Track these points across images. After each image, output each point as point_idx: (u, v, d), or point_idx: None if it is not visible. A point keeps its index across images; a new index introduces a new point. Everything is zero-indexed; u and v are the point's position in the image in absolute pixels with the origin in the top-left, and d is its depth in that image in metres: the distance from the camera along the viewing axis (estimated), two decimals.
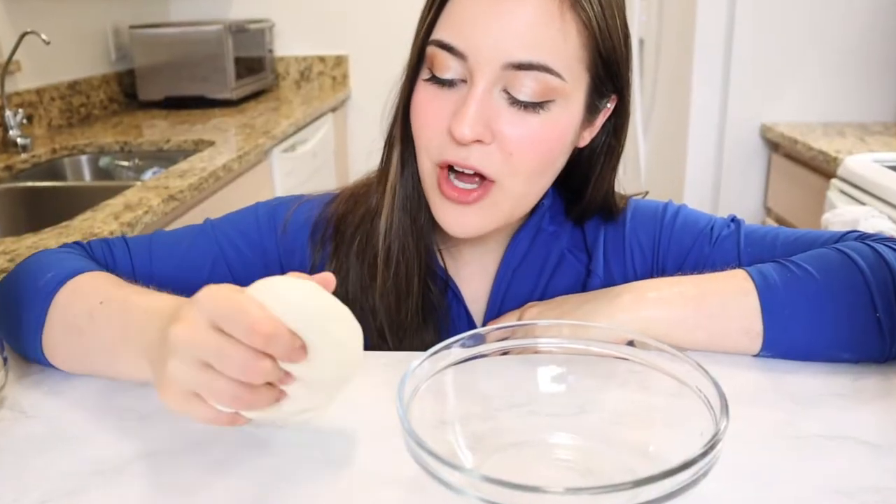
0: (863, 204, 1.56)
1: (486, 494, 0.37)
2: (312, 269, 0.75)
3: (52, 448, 0.53)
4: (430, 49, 0.63)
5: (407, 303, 0.71)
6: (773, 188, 2.12)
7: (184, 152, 1.93)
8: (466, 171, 0.64)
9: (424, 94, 0.65)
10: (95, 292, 0.61)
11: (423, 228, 0.72)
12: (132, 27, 2.44)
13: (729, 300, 0.63)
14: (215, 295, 0.45)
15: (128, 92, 2.53)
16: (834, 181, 1.70)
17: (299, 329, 0.44)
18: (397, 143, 0.70)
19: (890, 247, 0.64)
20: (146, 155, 1.98)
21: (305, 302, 0.45)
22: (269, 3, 2.94)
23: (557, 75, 0.61)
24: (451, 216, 0.66)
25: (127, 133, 2.09)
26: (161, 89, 2.45)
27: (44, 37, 1.80)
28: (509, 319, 0.71)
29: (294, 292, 0.46)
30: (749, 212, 2.17)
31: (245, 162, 1.80)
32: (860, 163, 1.63)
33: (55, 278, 0.64)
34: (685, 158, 2.21)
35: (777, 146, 2.08)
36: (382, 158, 0.73)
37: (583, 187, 0.74)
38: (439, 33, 0.63)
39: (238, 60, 2.49)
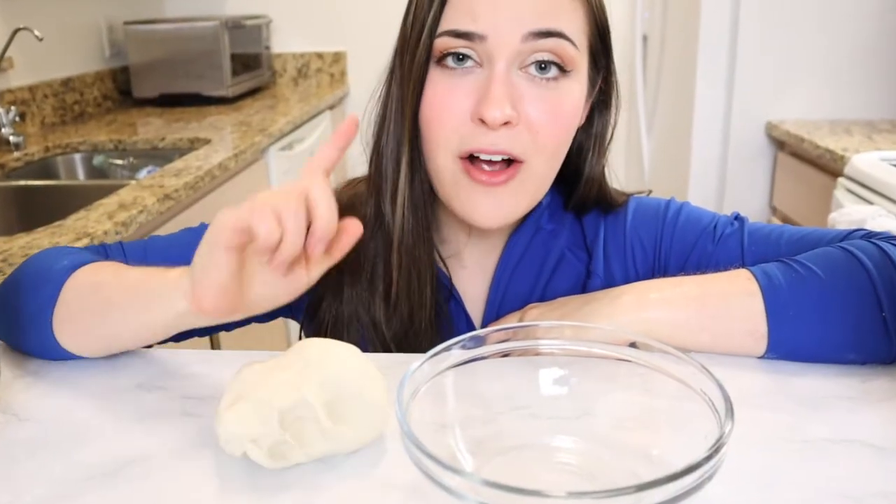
0: (870, 203, 1.56)
1: (486, 499, 0.37)
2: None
3: (45, 452, 0.53)
4: (442, 41, 0.63)
5: (420, 314, 0.71)
6: (779, 187, 2.12)
7: (179, 150, 1.93)
8: (493, 159, 0.65)
9: (440, 86, 0.65)
10: (120, 267, 0.63)
11: (431, 238, 0.72)
12: (126, 23, 2.44)
13: (733, 301, 0.63)
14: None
15: (122, 89, 2.53)
16: (841, 180, 1.70)
17: (335, 390, 0.49)
18: (405, 148, 0.68)
19: None
20: (141, 153, 1.97)
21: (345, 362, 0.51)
22: None
23: (573, 43, 0.63)
24: (484, 202, 0.66)
25: (121, 131, 2.09)
26: (156, 86, 2.45)
27: (37, 33, 1.80)
28: (510, 321, 0.71)
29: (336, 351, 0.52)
30: (754, 211, 2.17)
31: (241, 160, 1.80)
32: (867, 161, 1.63)
33: (72, 263, 0.64)
34: (689, 157, 2.21)
35: (783, 144, 2.08)
36: (373, 167, 0.72)
37: (578, 172, 0.75)
38: (451, 23, 0.63)
39: (234, 57, 2.49)
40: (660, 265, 0.75)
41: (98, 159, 1.94)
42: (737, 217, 0.75)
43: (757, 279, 0.63)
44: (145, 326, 0.59)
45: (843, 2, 1.99)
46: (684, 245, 0.74)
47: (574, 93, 0.66)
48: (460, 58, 0.64)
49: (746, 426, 0.51)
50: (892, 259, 0.62)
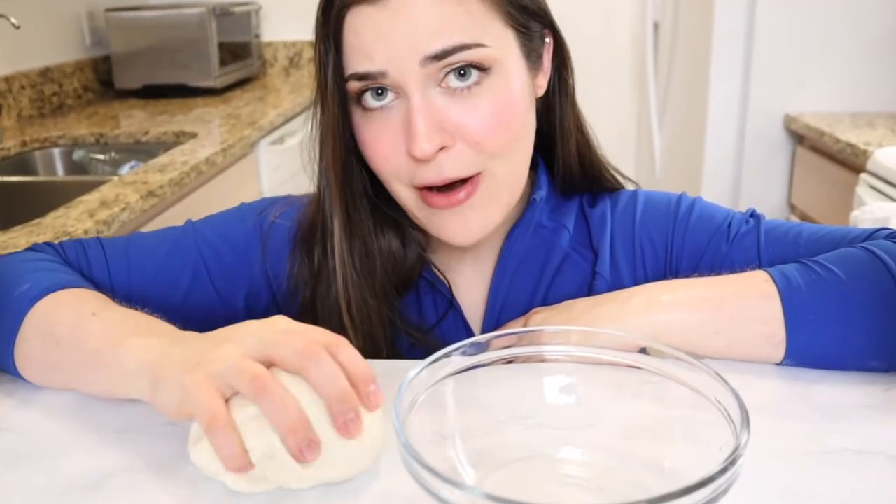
0: (894, 200, 1.56)
1: None
2: (297, 283, 0.75)
3: (25, 463, 0.53)
4: (351, 85, 0.65)
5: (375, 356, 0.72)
6: (798, 183, 2.12)
7: (164, 145, 1.93)
8: (451, 189, 0.65)
9: (368, 131, 0.66)
10: (85, 305, 0.62)
11: (382, 293, 0.72)
12: (108, 10, 2.44)
13: (749, 304, 0.63)
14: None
15: (103, 80, 2.53)
16: (863, 176, 1.70)
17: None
18: (337, 200, 0.69)
19: None
20: (123, 148, 1.98)
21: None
22: None
23: (478, 46, 0.62)
24: (450, 224, 0.67)
25: (102, 124, 2.09)
26: (139, 77, 2.45)
27: (13, 20, 1.81)
28: (514, 327, 0.71)
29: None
30: (772, 208, 2.17)
31: (230, 155, 1.80)
32: (891, 156, 1.63)
33: (32, 290, 0.64)
34: (703, 151, 2.21)
35: (802, 138, 2.09)
36: (321, 206, 0.72)
37: (552, 141, 0.75)
38: (351, 67, 0.64)
39: (222, 46, 2.49)
40: (671, 266, 0.75)
41: (78, 154, 1.94)
42: (752, 214, 0.74)
43: (775, 281, 0.63)
44: (109, 397, 0.60)
45: None
46: (697, 244, 0.74)
47: (508, 83, 0.65)
48: (379, 92, 0.64)
49: (763, 437, 0.51)
50: None
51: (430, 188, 0.66)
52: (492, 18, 0.64)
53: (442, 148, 0.63)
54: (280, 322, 0.51)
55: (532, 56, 0.69)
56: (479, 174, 0.66)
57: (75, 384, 0.61)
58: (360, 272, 0.71)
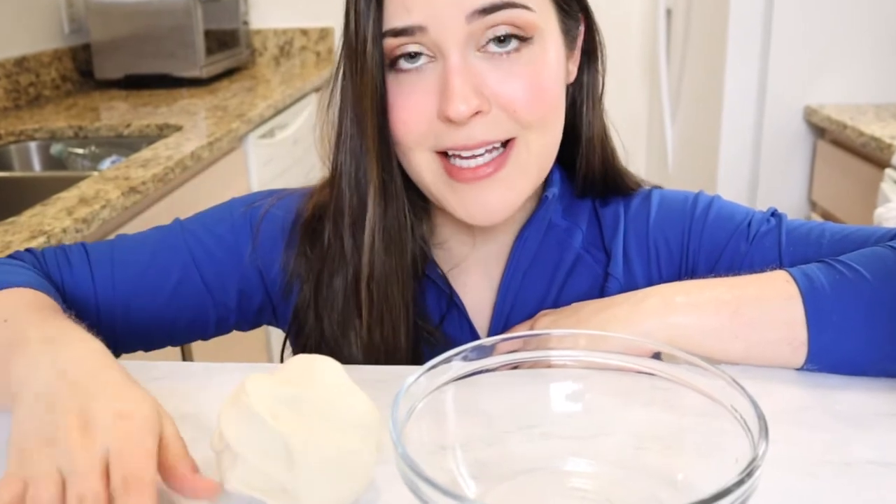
0: None
1: None
2: (291, 281, 0.75)
3: None
4: (387, 42, 0.64)
5: (395, 357, 0.72)
6: (819, 179, 2.12)
7: (147, 138, 1.93)
8: (477, 153, 0.65)
9: (400, 93, 0.66)
10: (5, 309, 0.61)
11: (407, 273, 0.71)
12: None
13: (770, 306, 0.63)
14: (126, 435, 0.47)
15: (83, 69, 2.53)
16: (888, 171, 1.69)
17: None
18: (372, 170, 0.68)
19: None
20: (104, 141, 1.97)
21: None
22: None
23: (524, 7, 0.63)
24: (472, 200, 0.67)
25: (82, 116, 2.09)
26: (121, 66, 2.45)
27: None
28: (520, 330, 0.71)
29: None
30: (791, 206, 2.17)
31: (217, 149, 1.80)
32: None
33: None
34: (718, 146, 2.21)
35: (823, 132, 2.09)
36: (334, 191, 0.72)
37: (577, 137, 0.75)
38: (389, 23, 0.64)
39: (208, 34, 2.49)
40: (687, 267, 0.75)
41: (56, 148, 1.94)
42: (773, 213, 0.75)
43: (796, 281, 0.63)
44: None
45: None
46: (715, 244, 0.74)
47: (546, 56, 0.66)
48: (412, 56, 0.64)
49: (782, 447, 0.51)
50: None
51: (450, 159, 0.66)
52: None
53: (477, 113, 0.63)
54: (105, 444, 0.47)
55: (569, 35, 0.70)
56: (512, 140, 0.66)
57: None
58: (388, 250, 0.70)
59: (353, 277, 0.71)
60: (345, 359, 0.71)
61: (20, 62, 2.23)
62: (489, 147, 0.66)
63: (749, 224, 0.74)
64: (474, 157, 0.66)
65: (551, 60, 0.67)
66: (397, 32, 0.63)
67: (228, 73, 2.71)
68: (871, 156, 1.82)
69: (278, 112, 2.30)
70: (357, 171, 0.70)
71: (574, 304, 0.70)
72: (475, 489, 0.47)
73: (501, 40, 0.64)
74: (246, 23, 2.86)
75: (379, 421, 0.49)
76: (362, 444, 0.48)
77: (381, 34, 0.64)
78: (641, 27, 3.01)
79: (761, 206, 0.77)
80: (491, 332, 0.76)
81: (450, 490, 0.38)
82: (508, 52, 0.64)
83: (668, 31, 2.71)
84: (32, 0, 2.34)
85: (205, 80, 2.48)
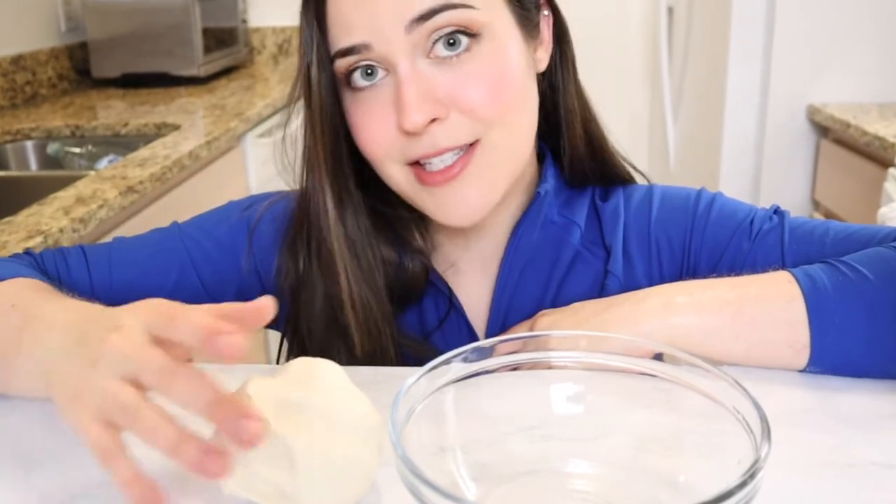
0: None
1: None
2: (287, 281, 0.76)
3: None
4: (338, 65, 0.66)
5: (384, 363, 0.72)
6: (822, 178, 2.12)
7: (144, 138, 1.93)
8: (444, 159, 0.66)
9: (358, 108, 0.67)
10: (9, 296, 0.62)
11: (382, 292, 0.72)
12: None
13: (771, 307, 0.63)
14: (157, 303, 0.46)
15: (80, 68, 2.53)
16: (892, 170, 1.69)
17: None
18: (331, 200, 0.70)
19: None
20: (101, 140, 1.97)
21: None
22: None
23: (464, 6, 0.63)
24: (448, 202, 0.67)
25: (79, 115, 2.09)
26: (118, 65, 2.45)
27: None
28: (520, 331, 0.71)
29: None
30: (794, 205, 2.17)
31: (214, 149, 1.80)
32: None
33: None
34: (720, 144, 2.21)
35: (826, 130, 2.09)
36: (301, 206, 0.73)
37: (558, 120, 0.76)
38: (336, 45, 0.65)
39: (206, 32, 2.49)
40: (689, 265, 0.75)
41: (53, 147, 1.94)
42: (776, 211, 0.74)
43: (799, 282, 0.63)
44: (16, 390, 0.59)
45: None
46: (717, 243, 0.74)
47: (500, 51, 0.66)
48: (368, 72, 0.65)
49: (785, 449, 0.51)
50: None
51: (423, 166, 0.66)
52: None
53: (434, 120, 0.64)
54: (143, 323, 0.46)
55: (528, 25, 0.69)
56: (476, 142, 0.66)
57: None
58: (361, 271, 0.71)
59: (333, 302, 0.72)
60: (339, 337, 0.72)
61: (16, 60, 2.23)
62: (454, 153, 0.66)
63: (752, 222, 0.73)
64: (443, 160, 0.66)
65: (508, 54, 0.67)
66: (344, 53, 0.65)
67: (227, 72, 2.71)
68: (874, 155, 1.82)
69: (276, 111, 2.30)
70: (315, 193, 0.71)
71: (574, 305, 0.70)
72: (475, 491, 0.48)
73: (451, 43, 0.64)
74: (244, 21, 2.86)
75: (380, 423, 0.49)
76: (364, 448, 0.48)
77: (329, 58, 0.66)
78: (643, 25, 3.01)
79: (763, 204, 0.77)
80: (489, 332, 0.76)
81: (450, 492, 0.38)
82: (458, 54, 0.64)
83: (669, 29, 2.71)
84: None
85: (203, 78, 2.48)
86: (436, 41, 0.64)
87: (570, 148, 0.76)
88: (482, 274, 0.77)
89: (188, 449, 0.42)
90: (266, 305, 0.46)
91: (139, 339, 0.45)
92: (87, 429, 0.45)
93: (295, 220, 0.76)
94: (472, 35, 0.64)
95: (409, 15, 0.62)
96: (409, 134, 0.64)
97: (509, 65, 0.66)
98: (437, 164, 0.66)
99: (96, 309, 0.53)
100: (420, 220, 0.75)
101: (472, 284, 0.77)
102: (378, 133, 0.66)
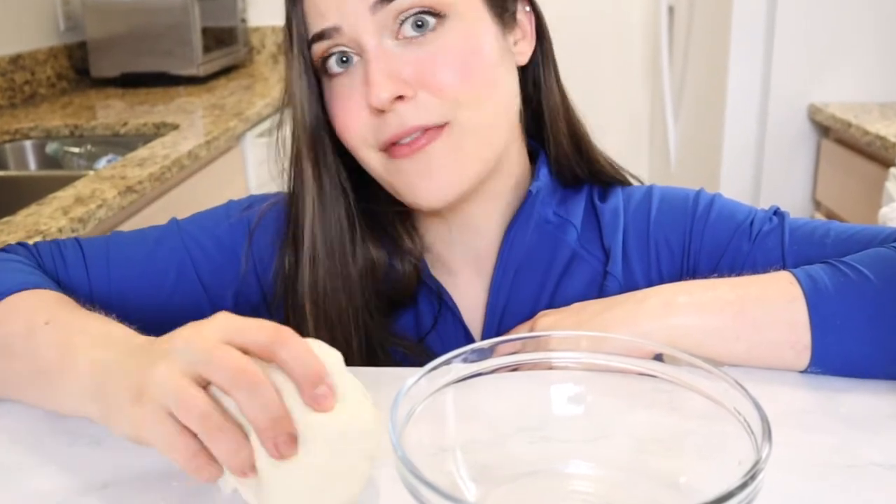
0: None
1: None
2: (286, 281, 0.76)
3: None
4: (314, 50, 0.68)
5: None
6: (823, 178, 2.12)
7: (143, 137, 1.93)
8: (413, 137, 0.67)
9: (334, 93, 0.69)
10: (39, 311, 0.61)
11: (354, 285, 0.73)
12: None
13: (773, 307, 0.62)
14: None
15: (79, 67, 2.53)
16: (893, 170, 1.70)
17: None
18: (310, 176, 0.71)
19: None
20: (100, 140, 1.97)
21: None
22: None
23: None
24: (418, 180, 0.68)
25: (78, 115, 2.09)
26: (117, 64, 2.45)
27: None
28: (520, 331, 0.71)
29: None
30: (795, 205, 2.17)
31: (214, 148, 1.80)
32: None
33: None
34: (721, 144, 2.21)
35: (827, 130, 2.09)
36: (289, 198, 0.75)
37: (541, 114, 0.77)
38: (311, 30, 0.67)
39: (206, 31, 2.49)
40: (688, 267, 0.75)
41: (52, 147, 1.94)
42: (776, 212, 0.74)
43: (800, 283, 0.63)
44: (57, 408, 0.59)
45: None
46: (717, 244, 0.74)
47: (469, 31, 0.67)
48: (343, 60, 0.67)
49: (786, 450, 0.51)
50: None
51: (394, 147, 0.67)
52: None
53: (401, 97, 0.65)
54: (216, 325, 0.48)
55: (503, 13, 0.71)
56: (445, 124, 0.67)
57: (30, 399, 0.60)
58: (329, 261, 0.72)
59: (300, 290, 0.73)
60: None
61: (15, 60, 2.23)
62: (424, 131, 0.67)
63: (751, 223, 0.73)
64: (412, 140, 0.67)
65: (476, 36, 0.68)
66: (319, 36, 0.67)
67: (226, 71, 2.71)
68: (875, 155, 1.82)
69: (276, 110, 2.29)
70: (297, 182, 0.73)
71: (575, 305, 0.70)
72: (475, 492, 0.47)
73: (419, 25, 0.65)
74: (244, 20, 2.86)
75: (376, 421, 0.49)
76: (347, 458, 0.47)
77: (307, 43, 0.68)
78: (643, 25, 3.00)
79: (765, 205, 0.77)
80: (485, 334, 0.76)
81: (450, 493, 0.38)
82: (425, 34, 0.66)
83: (670, 29, 2.71)
84: None
85: (202, 78, 2.48)
86: (402, 22, 0.65)
87: (555, 145, 0.77)
88: (476, 275, 0.77)
89: (241, 458, 0.44)
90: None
91: (216, 337, 0.46)
92: (162, 430, 0.45)
93: (287, 218, 0.76)
94: (437, 15, 0.65)
95: None
96: (378, 112, 0.65)
97: (478, 46, 0.67)
98: (408, 144, 0.67)
99: (142, 338, 0.54)
100: (410, 221, 0.76)
101: (467, 286, 0.77)
102: (351, 116, 0.68)
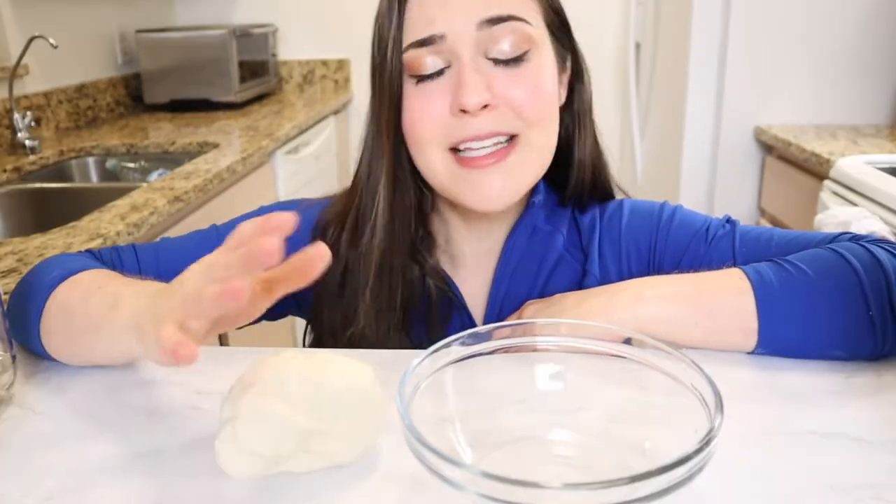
0: (855, 205, 1.56)
1: (485, 490, 0.37)
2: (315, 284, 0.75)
3: (60, 445, 0.53)
4: (409, 54, 0.66)
5: (391, 318, 0.72)
6: (767, 190, 2.12)
7: (189, 154, 1.93)
8: (485, 145, 0.66)
9: (417, 97, 0.67)
10: (94, 281, 0.62)
11: (406, 247, 0.72)
12: (138, 31, 2.43)
13: (725, 299, 0.62)
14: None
15: (134, 95, 2.53)
16: (827, 182, 1.69)
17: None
18: (384, 161, 0.69)
19: (884, 248, 0.63)
20: (152, 157, 1.97)
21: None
22: (273, 8, 2.94)
23: (527, 22, 0.65)
24: (477, 186, 0.67)
25: (133, 135, 2.09)
26: (166, 92, 2.45)
27: (52, 41, 1.80)
28: (511, 320, 0.71)
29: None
30: (743, 213, 2.17)
31: (249, 164, 1.80)
32: (852, 165, 1.63)
33: (60, 274, 0.65)
34: (680, 160, 2.21)
35: (771, 148, 2.08)
36: (354, 185, 0.74)
37: (570, 158, 0.76)
38: (413, 35, 0.65)
39: (242, 64, 2.48)
40: (654, 266, 0.75)
41: (111, 163, 1.94)
42: (728, 220, 0.75)
43: (749, 277, 0.63)
44: (109, 358, 0.60)
45: (827, 12, 1.99)
46: (678, 246, 0.74)
47: (543, 66, 0.68)
48: (437, 67, 0.66)
49: (736, 420, 0.51)
50: (880, 260, 0.61)
51: (464, 152, 0.67)
52: (538, 9, 0.68)
53: (486, 106, 0.64)
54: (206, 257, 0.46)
55: (560, 59, 0.71)
56: (517, 136, 0.67)
57: (84, 352, 0.61)
58: (392, 225, 0.71)
59: (364, 259, 0.71)
60: (354, 341, 0.72)
61: (80, 89, 2.23)
62: (495, 141, 0.66)
63: (707, 229, 0.74)
64: (483, 148, 0.66)
65: (547, 70, 0.68)
66: (422, 42, 0.65)
67: (259, 98, 2.71)
68: (812, 169, 1.82)
69: (302, 131, 2.29)
70: (372, 167, 0.71)
71: (557, 295, 0.70)
72: (472, 456, 0.47)
73: (508, 49, 0.65)
74: (274, 55, 2.86)
75: (373, 383, 0.50)
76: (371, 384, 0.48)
77: (402, 48, 0.66)
78: (614, 58, 3.00)
79: (718, 212, 0.77)
80: (486, 320, 0.76)
81: (450, 457, 0.38)
82: (511, 60, 0.66)
83: (637, 62, 2.71)
84: (91, 35, 2.34)
85: (239, 104, 2.48)
86: (496, 46, 0.65)
87: (579, 184, 0.76)
88: (481, 271, 0.77)
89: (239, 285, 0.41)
90: (320, 255, 0.44)
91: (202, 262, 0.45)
92: (160, 331, 0.43)
93: (336, 213, 0.76)
94: (524, 49, 0.66)
95: (482, 15, 0.64)
96: (463, 114, 0.65)
97: (547, 79, 0.68)
98: (477, 152, 0.66)
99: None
100: (432, 222, 0.76)
101: (473, 279, 0.77)
102: (431, 115, 0.66)
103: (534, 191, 0.76)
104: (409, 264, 0.73)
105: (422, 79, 0.67)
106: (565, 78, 0.73)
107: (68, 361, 0.64)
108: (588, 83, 0.76)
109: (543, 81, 0.67)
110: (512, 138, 0.67)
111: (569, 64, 0.74)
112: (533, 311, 0.68)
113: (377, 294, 0.71)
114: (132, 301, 0.54)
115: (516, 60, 0.66)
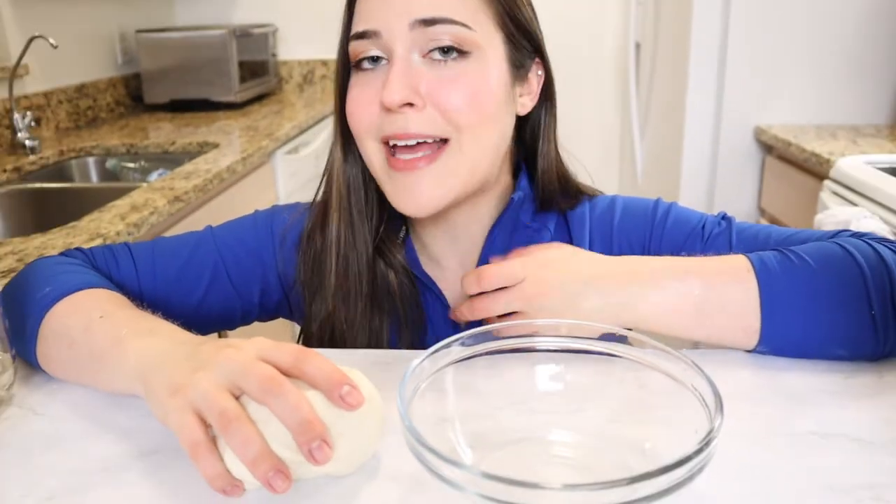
0: (854, 205, 1.56)
1: (485, 491, 0.37)
2: (303, 281, 0.76)
3: (60, 445, 0.53)
4: (351, 46, 0.67)
5: (356, 303, 0.72)
6: (767, 189, 2.12)
7: (189, 154, 1.93)
8: (409, 144, 0.66)
9: (356, 86, 0.68)
10: (95, 307, 0.61)
11: (367, 244, 0.73)
12: (138, 31, 2.43)
13: (729, 299, 0.61)
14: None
15: (134, 95, 2.53)
16: (826, 182, 1.69)
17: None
18: (338, 138, 0.72)
19: (888, 247, 0.63)
20: (152, 157, 1.97)
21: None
22: (273, 8, 2.94)
23: (464, 26, 0.64)
24: (404, 191, 0.67)
25: (133, 135, 2.09)
26: (166, 92, 2.45)
27: (52, 41, 1.80)
28: (493, 265, 0.67)
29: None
30: (743, 213, 2.17)
31: (249, 164, 1.80)
32: (852, 164, 1.63)
33: (53, 293, 0.63)
34: (680, 160, 2.21)
35: (771, 148, 2.08)
36: (327, 166, 0.75)
37: (535, 163, 0.76)
38: (355, 27, 0.67)
39: (242, 64, 2.48)
40: None
41: (111, 162, 1.94)
42: (724, 217, 0.74)
43: (754, 268, 0.61)
44: (113, 392, 0.59)
45: (827, 11, 1.99)
46: (673, 246, 0.73)
47: (484, 72, 0.66)
48: (374, 59, 0.67)
49: (736, 420, 0.51)
50: (885, 259, 0.61)
51: (394, 151, 0.66)
52: (484, 14, 0.66)
53: (411, 105, 0.64)
54: (253, 345, 0.47)
55: (518, 68, 0.69)
56: (445, 141, 0.66)
57: (87, 381, 0.60)
58: (351, 225, 0.73)
59: (322, 248, 0.73)
60: (335, 333, 0.73)
61: (80, 89, 2.23)
62: (424, 141, 0.66)
63: (703, 227, 0.73)
64: (411, 150, 0.66)
65: (489, 77, 0.66)
66: (359, 35, 0.66)
67: (259, 98, 2.71)
68: (812, 169, 1.82)
69: (302, 132, 2.29)
70: (332, 157, 0.73)
71: (541, 246, 0.68)
72: (472, 456, 0.47)
73: (444, 50, 0.65)
74: (274, 55, 2.86)
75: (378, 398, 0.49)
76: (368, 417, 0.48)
77: (347, 39, 0.68)
78: (615, 58, 3.00)
79: (717, 212, 0.77)
80: (468, 322, 0.75)
81: (450, 457, 0.38)
82: (446, 61, 0.65)
83: (637, 62, 2.71)
84: (91, 36, 2.34)
85: (239, 104, 2.48)
86: (432, 48, 0.65)
87: (543, 190, 0.76)
88: (461, 268, 0.76)
89: (263, 465, 0.42)
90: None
91: (252, 355, 0.46)
92: (183, 419, 0.45)
93: (313, 214, 0.76)
94: (462, 51, 0.65)
95: (415, 15, 0.64)
96: (387, 110, 0.64)
97: (489, 86, 0.66)
98: (406, 153, 0.66)
99: (193, 337, 0.54)
100: (404, 220, 0.76)
101: (454, 277, 0.76)
102: (363, 107, 0.67)
103: (515, 188, 0.75)
104: (373, 258, 0.73)
105: (362, 69, 0.67)
106: (528, 87, 0.72)
107: (66, 381, 0.63)
108: (554, 95, 0.75)
109: (479, 87, 0.65)
110: (445, 142, 0.66)
111: (540, 74, 0.72)
112: (520, 264, 0.65)
113: (342, 283, 0.72)
114: (136, 344, 0.54)
115: (450, 63, 0.65)
